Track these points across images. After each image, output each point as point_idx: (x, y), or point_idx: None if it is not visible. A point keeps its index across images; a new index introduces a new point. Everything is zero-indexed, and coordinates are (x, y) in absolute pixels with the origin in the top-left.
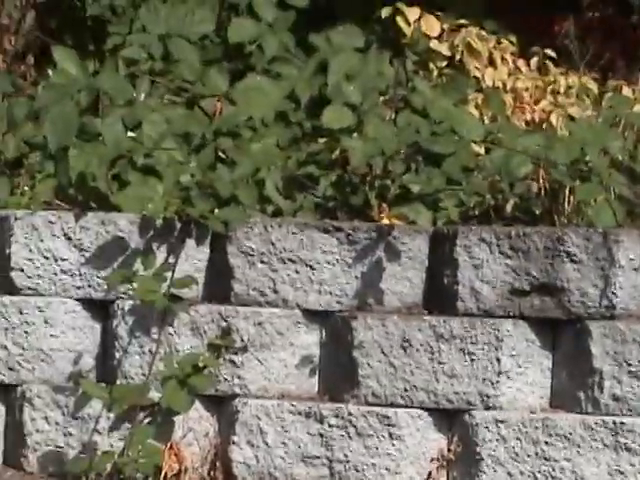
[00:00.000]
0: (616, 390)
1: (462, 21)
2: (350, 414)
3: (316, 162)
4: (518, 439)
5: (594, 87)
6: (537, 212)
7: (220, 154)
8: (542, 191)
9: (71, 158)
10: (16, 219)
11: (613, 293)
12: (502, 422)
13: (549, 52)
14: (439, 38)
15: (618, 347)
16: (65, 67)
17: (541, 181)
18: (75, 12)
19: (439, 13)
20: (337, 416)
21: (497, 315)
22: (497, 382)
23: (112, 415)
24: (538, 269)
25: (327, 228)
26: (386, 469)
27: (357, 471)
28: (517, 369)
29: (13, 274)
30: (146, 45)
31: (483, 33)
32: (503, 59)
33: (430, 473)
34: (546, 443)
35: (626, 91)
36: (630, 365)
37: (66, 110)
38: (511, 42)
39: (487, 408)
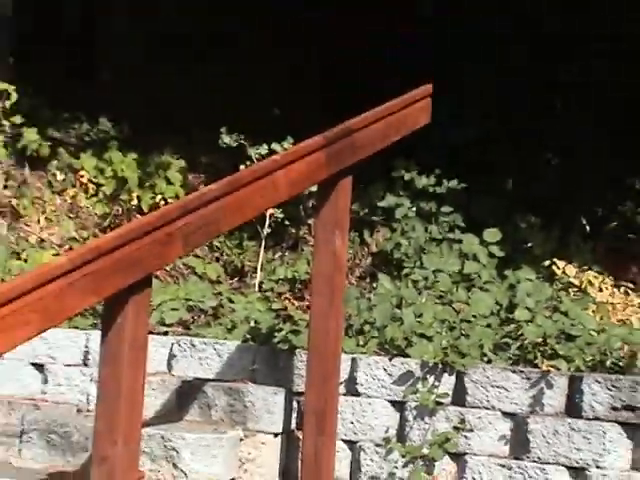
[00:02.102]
0: None
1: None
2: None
3: (510, 336)
4: None
5: None
6: None
7: (462, 333)
8: None
9: (387, 330)
10: (360, 359)
11: None
12: None
13: None
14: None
15: None
16: (384, 284)
17: None
18: (385, 256)
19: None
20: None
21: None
22: None
23: (404, 459)
24: None
25: (515, 370)
26: None
27: None
28: None
29: (357, 386)
30: (423, 274)
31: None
32: None
33: None
34: None
35: None
36: None
37: (386, 306)
38: None
39: None
